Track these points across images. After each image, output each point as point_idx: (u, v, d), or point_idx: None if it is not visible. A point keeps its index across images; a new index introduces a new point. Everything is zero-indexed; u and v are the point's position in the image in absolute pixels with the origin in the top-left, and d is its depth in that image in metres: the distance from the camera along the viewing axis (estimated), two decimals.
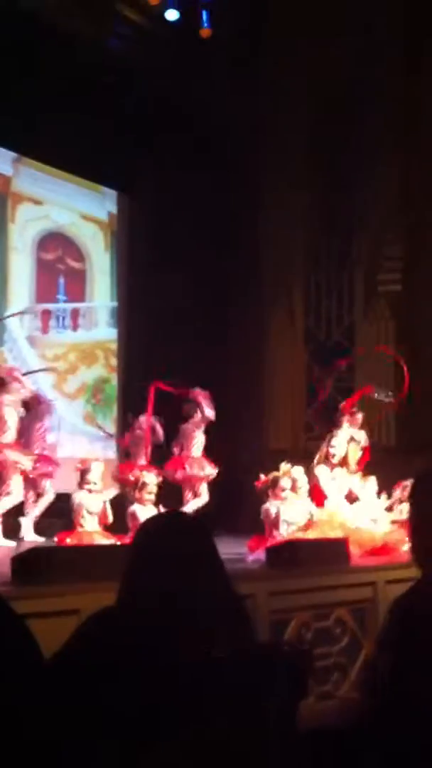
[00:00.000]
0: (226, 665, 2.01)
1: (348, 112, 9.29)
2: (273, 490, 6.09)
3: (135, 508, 6.03)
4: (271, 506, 6.15)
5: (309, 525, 6.22)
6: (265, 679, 2.05)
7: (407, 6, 8.86)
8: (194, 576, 2.00)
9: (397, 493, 6.72)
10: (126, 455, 7.60)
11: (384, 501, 6.79)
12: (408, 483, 6.72)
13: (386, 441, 9.45)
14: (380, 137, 9.31)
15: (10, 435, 6.84)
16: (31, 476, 6.95)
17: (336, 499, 6.50)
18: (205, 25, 8.26)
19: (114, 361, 9.77)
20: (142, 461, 7.16)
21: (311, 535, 6.12)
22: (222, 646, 1.96)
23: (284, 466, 6.41)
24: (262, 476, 6.33)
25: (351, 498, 6.84)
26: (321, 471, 6.61)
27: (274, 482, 6.06)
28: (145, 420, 7.25)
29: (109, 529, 5.95)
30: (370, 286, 9.66)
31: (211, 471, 7.48)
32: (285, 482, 6.09)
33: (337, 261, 9.73)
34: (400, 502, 6.65)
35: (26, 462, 6.85)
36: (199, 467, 7.41)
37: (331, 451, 6.68)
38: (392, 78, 9.19)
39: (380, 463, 7.72)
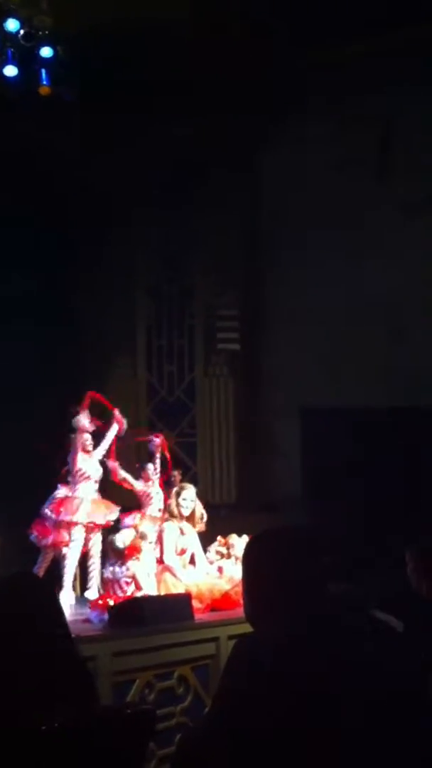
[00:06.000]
0: (66, 731, 1.93)
1: (187, 172, 9.46)
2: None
3: None
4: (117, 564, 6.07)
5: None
6: (109, 745, 1.98)
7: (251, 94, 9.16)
8: (33, 637, 1.92)
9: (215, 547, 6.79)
10: None
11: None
12: (231, 539, 6.78)
13: (227, 498, 9.56)
14: (216, 204, 9.54)
15: None
16: None
17: (172, 555, 6.45)
18: (45, 82, 8.26)
19: None
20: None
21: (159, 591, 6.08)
22: (64, 710, 1.88)
23: (137, 522, 6.38)
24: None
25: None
26: (168, 526, 6.56)
27: None
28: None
29: None
30: (210, 345, 9.84)
31: None
32: (136, 540, 6.03)
33: (177, 323, 9.86)
34: (224, 556, 6.69)
35: None
36: None
37: (183, 505, 6.63)
38: (238, 149, 9.48)
39: (220, 520, 7.77)
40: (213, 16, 7.97)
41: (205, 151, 9.32)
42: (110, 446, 6.90)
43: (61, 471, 6.98)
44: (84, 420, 6.79)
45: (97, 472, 6.84)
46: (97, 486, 6.85)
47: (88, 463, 6.83)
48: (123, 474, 6.86)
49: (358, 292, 8.78)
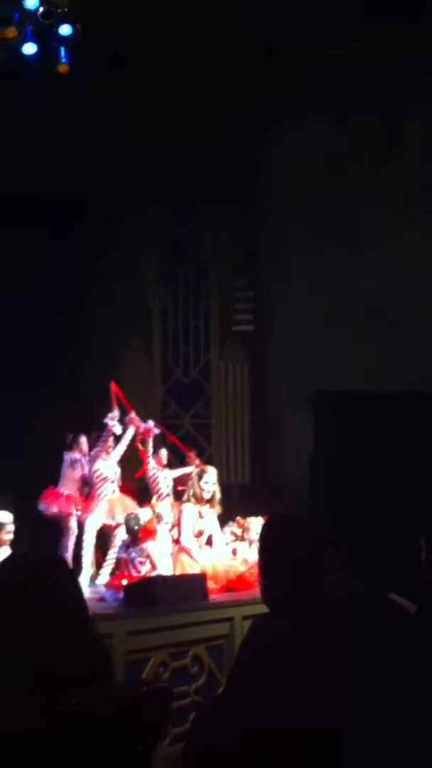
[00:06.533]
0: (81, 709, 1.95)
1: (194, 165, 9.43)
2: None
3: None
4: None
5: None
6: (125, 723, 2.01)
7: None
8: (54, 618, 1.94)
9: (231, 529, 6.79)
10: None
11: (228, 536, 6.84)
12: (248, 522, 6.79)
13: (241, 479, 9.57)
14: (226, 191, 9.52)
15: None
16: None
17: (189, 537, 6.47)
18: (63, 60, 8.20)
19: None
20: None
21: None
22: (83, 689, 1.91)
23: (153, 503, 6.40)
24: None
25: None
26: (187, 508, 6.58)
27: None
28: None
29: None
30: (225, 327, 9.85)
31: None
32: (151, 521, 6.07)
33: (193, 303, 9.87)
34: (237, 538, 6.70)
35: None
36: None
37: (204, 488, 6.62)
38: (237, 148, 9.46)
39: (236, 501, 7.80)
40: (214, 15, 7.95)
41: (205, 149, 9.30)
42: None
43: (66, 441, 7.03)
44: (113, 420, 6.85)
45: (114, 474, 6.88)
46: (115, 485, 6.89)
47: (106, 464, 6.87)
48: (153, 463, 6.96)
49: (357, 291, 8.78)
